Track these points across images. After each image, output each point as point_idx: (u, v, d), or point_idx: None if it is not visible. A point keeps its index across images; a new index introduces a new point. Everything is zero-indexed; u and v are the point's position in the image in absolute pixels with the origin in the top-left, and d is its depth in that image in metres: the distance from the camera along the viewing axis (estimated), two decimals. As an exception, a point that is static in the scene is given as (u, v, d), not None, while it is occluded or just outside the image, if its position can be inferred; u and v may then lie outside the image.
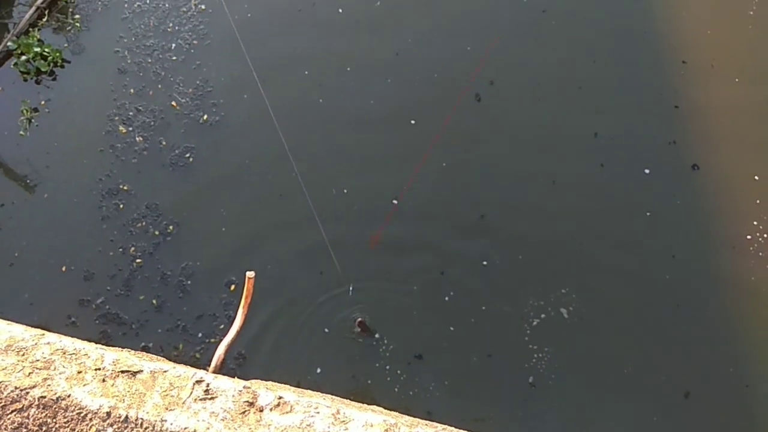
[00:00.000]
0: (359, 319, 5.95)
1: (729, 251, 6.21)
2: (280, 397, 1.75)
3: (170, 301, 6.13)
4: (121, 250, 6.34)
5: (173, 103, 7.07)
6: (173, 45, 7.37)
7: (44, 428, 1.71)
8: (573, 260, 6.27)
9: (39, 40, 7.35)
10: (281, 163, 6.51)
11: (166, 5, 7.46)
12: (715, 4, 7.57)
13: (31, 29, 7.47)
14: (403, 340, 5.93)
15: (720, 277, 6.11)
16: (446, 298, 6.13)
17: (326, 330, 5.97)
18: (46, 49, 7.25)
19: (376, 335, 5.98)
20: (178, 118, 7.03)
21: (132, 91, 7.16)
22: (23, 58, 7.22)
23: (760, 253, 6.16)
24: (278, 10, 7.67)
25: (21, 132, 7.02)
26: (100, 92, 7.20)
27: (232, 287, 6.19)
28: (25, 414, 1.71)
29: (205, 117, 7.00)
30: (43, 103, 7.20)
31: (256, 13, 7.58)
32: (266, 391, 1.77)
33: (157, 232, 6.42)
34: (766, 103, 6.95)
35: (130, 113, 7.06)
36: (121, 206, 6.61)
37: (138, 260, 6.29)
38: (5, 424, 1.72)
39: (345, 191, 6.62)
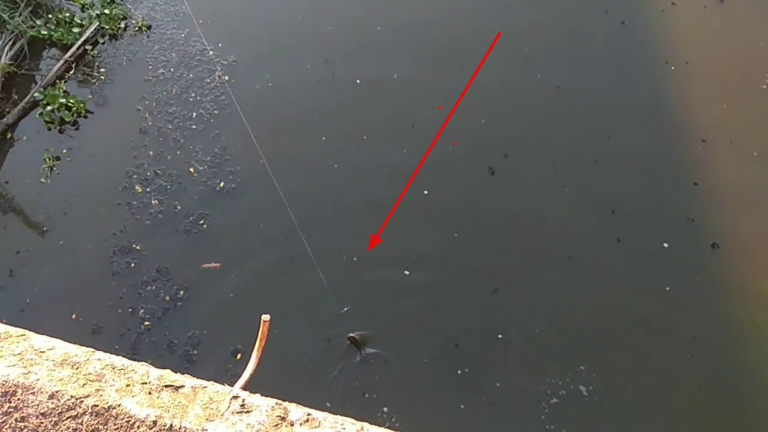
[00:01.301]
0: (350, 335, 6.26)
1: (752, 330, 6.39)
2: (309, 414, 2.01)
3: (176, 371, 6.33)
4: (130, 310, 6.63)
5: (191, 169, 7.57)
6: (194, 114, 7.97)
7: None
8: (591, 337, 6.42)
9: (65, 92, 8.02)
10: (295, 233, 6.87)
11: (191, 75, 8.12)
12: (726, 79, 7.97)
13: (58, 81, 8.17)
14: (410, 418, 6.04)
15: (742, 358, 6.26)
16: (459, 372, 6.30)
17: (328, 405, 6.11)
18: (71, 100, 7.90)
19: (365, 352, 6.32)
20: (195, 185, 7.49)
21: (151, 153, 7.66)
22: (48, 108, 7.86)
23: (783, 333, 6.34)
24: (298, 80, 8.32)
25: (42, 179, 7.53)
26: (121, 148, 7.73)
27: (238, 356, 6.40)
28: (80, 420, 1.97)
29: (222, 184, 7.45)
30: (65, 151, 7.75)
31: (277, 83, 8.22)
32: (296, 407, 2.05)
33: (167, 298, 6.72)
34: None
35: (148, 174, 7.52)
36: (133, 265, 6.93)
37: (146, 323, 6.55)
38: (61, 429, 2.00)
39: (354, 259, 6.97)
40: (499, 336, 6.49)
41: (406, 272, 6.88)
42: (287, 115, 7.92)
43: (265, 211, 7.23)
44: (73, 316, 6.53)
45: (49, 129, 7.94)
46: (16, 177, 7.70)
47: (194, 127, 7.90)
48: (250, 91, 8.03)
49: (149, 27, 8.71)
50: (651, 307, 6.58)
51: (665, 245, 6.89)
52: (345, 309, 6.50)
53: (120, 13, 8.72)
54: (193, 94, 8.07)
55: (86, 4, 8.84)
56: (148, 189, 7.44)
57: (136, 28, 8.66)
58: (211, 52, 8.22)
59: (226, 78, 8.08)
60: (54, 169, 7.67)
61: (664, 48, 8.12)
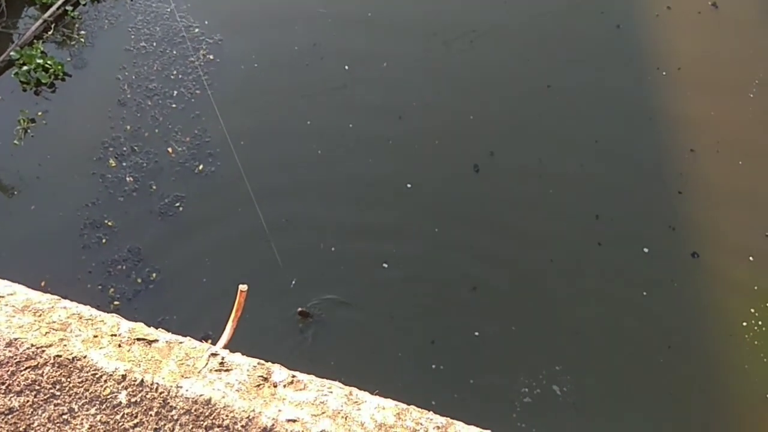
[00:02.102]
0: (300, 309, 6.30)
1: (726, 339, 6.41)
2: (294, 376, 1.86)
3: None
4: (100, 287, 6.35)
5: (169, 149, 7.32)
6: (175, 92, 7.74)
7: (58, 386, 1.79)
8: (568, 338, 6.38)
9: (42, 52, 7.74)
10: (274, 224, 6.75)
11: (174, 52, 7.89)
12: (716, 86, 8.00)
13: (35, 41, 7.89)
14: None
15: (715, 365, 6.27)
16: (433, 366, 6.19)
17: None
18: (49, 62, 7.64)
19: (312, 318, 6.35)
20: (172, 165, 7.25)
21: (128, 128, 7.41)
22: (25, 68, 7.59)
23: (756, 342, 6.36)
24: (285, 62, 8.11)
25: (15, 141, 7.29)
26: (98, 117, 7.47)
27: (208, 341, 6.20)
28: (40, 371, 1.79)
29: (201, 167, 7.24)
30: (40, 114, 7.50)
31: (263, 64, 8.02)
32: (280, 368, 1.90)
33: (139, 279, 6.47)
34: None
35: (125, 149, 7.27)
36: (104, 241, 6.68)
37: (116, 302, 6.29)
38: (18, 380, 1.81)
39: (333, 249, 6.82)
40: (476, 333, 6.40)
41: (385, 265, 6.76)
42: (272, 97, 7.74)
43: (243, 198, 7.03)
44: (42, 283, 6.25)
45: (25, 90, 7.67)
46: None
47: (174, 105, 7.67)
48: (234, 72, 7.82)
49: None
50: (627, 311, 6.55)
51: (645, 250, 6.88)
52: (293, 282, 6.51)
53: None
54: (175, 72, 7.85)
55: None
56: (123, 164, 7.17)
57: None
58: (196, 30, 8.00)
59: (211, 57, 7.87)
60: (28, 131, 7.41)
61: (656, 53, 8.14)
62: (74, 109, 7.59)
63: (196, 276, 6.63)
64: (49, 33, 8.04)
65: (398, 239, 6.88)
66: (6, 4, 8.09)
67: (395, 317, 6.46)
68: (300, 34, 8.10)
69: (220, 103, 7.64)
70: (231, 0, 8.35)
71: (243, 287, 3.00)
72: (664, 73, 7.98)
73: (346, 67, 7.88)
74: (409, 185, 7.22)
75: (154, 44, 7.88)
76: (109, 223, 6.82)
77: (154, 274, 6.55)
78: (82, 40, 8.06)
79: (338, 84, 7.82)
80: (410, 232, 6.96)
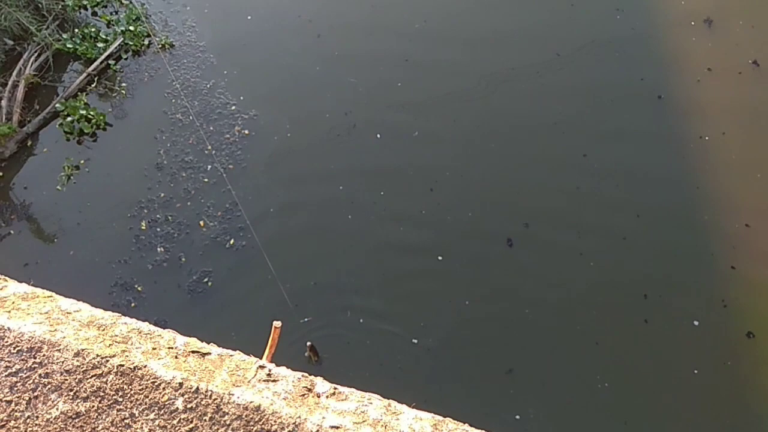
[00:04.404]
0: (310, 343, 6.56)
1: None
2: (335, 387, 2.10)
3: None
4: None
5: (201, 222, 7.82)
6: (209, 167, 8.32)
7: (120, 393, 2.06)
8: (619, 420, 6.41)
9: (85, 104, 8.63)
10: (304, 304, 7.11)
11: (210, 128, 8.56)
12: (764, 150, 8.04)
13: (79, 93, 8.79)
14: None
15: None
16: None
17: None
18: (91, 112, 8.51)
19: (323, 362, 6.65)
20: (202, 238, 7.72)
21: (162, 195, 8.03)
22: (69, 119, 8.47)
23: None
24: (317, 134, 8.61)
25: (58, 187, 8.06)
26: (136, 175, 8.17)
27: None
28: (104, 379, 2.07)
29: (232, 241, 7.69)
30: (82, 162, 8.29)
31: (296, 135, 8.54)
32: (322, 381, 2.15)
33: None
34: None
35: (158, 216, 7.86)
36: (133, 305, 7.15)
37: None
38: (85, 386, 2.10)
39: (361, 320, 7.08)
40: (516, 417, 6.45)
41: (414, 341, 6.96)
42: (304, 167, 8.25)
43: (272, 276, 7.28)
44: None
45: (68, 140, 8.50)
46: (33, 184, 8.19)
47: (206, 180, 8.21)
48: (268, 144, 8.40)
49: (172, 45, 9.31)
50: (680, 392, 6.55)
51: (695, 323, 6.92)
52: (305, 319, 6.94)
53: (144, 30, 9.35)
54: (210, 147, 8.46)
55: (112, 20, 9.52)
56: (157, 230, 7.75)
57: (159, 46, 9.25)
58: (233, 107, 8.69)
59: (246, 132, 8.48)
60: (71, 178, 8.17)
61: (699, 120, 8.29)
62: (114, 161, 8.34)
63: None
64: (92, 86, 8.94)
65: (428, 314, 7.10)
66: (52, 60, 9.03)
67: (425, 396, 6.55)
68: (331, 104, 8.72)
69: (252, 176, 8.21)
70: (265, 75, 9.06)
71: (277, 323, 3.28)
72: (707, 138, 8.13)
73: (378, 136, 8.40)
74: (440, 257, 7.50)
75: (191, 118, 8.56)
76: (139, 288, 7.31)
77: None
78: (123, 92, 8.92)
79: (370, 152, 8.33)
80: (441, 307, 7.17)
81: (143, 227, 7.75)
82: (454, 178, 8.06)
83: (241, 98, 8.77)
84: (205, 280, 7.45)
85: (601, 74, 8.81)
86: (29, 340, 2.18)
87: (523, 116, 8.52)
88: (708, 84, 8.55)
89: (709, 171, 7.93)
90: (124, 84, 9.01)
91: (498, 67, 8.86)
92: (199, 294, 7.35)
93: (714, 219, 7.60)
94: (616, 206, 7.80)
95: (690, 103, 8.39)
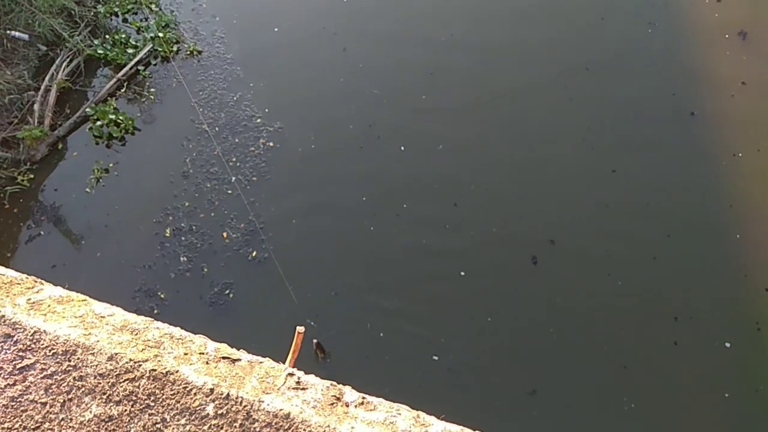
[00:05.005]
0: (316, 341, 6.69)
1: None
2: (364, 397, 2.14)
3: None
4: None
5: (224, 234, 7.95)
6: (233, 179, 8.47)
7: (152, 398, 2.12)
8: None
9: (115, 109, 8.92)
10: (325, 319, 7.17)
11: (236, 140, 8.71)
12: None
13: (109, 98, 9.10)
14: None
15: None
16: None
17: None
18: (120, 117, 8.81)
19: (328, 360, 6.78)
20: (224, 250, 7.85)
21: (186, 204, 8.21)
22: (98, 123, 8.77)
23: None
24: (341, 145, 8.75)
25: (87, 189, 8.34)
26: (162, 180, 8.39)
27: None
28: (137, 383, 2.14)
29: (254, 253, 7.80)
30: (111, 165, 8.57)
31: (320, 146, 8.67)
32: (351, 390, 2.20)
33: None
34: None
35: (182, 225, 8.03)
36: (156, 311, 7.32)
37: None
38: (118, 390, 2.18)
39: (381, 335, 7.12)
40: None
41: (435, 357, 6.97)
42: (328, 178, 8.35)
43: (293, 286, 7.38)
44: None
45: (97, 143, 8.79)
46: (63, 186, 8.47)
47: (230, 192, 8.35)
48: (292, 156, 8.53)
49: (200, 52, 9.58)
50: (709, 417, 6.48)
51: (727, 345, 6.85)
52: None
53: (173, 37, 9.67)
54: (234, 159, 8.60)
55: (142, 27, 9.83)
56: (181, 239, 7.92)
57: (188, 52, 9.55)
58: (258, 120, 8.84)
59: (270, 144, 8.62)
60: (100, 180, 8.46)
61: (733, 135, 8.21)
62: (142, 166, 8.59)
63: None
64: (122, 90, 9.24)
65: (449, 330, 7.13)
66: (84, 65, 9.36)
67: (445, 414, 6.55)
68: (356, 116, 8.84)
69: (275, 187, 8.33)
70: (291, 87, 9.21)
71: (300, 329, 3.33)
72: (740, 155, 8.06)
73: (402, 148, 8.49)
74: (462, 273, 7.52)
75: (217, 129, 8.74)
76: (162, 296, 7.50)
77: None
78: (152, 97, 9.22)
79: (393, 164, 8.41)
80: (463, 324, 7.19)
81: (168, 234, 7.94)
82: (478, 192, 8.09)
83: (267, 110, 8.92)
84: (227, 292, 7.57)
85: (632, 88, 8.79)
86: (64, 343, 2.27)
87: (550, 130, 8.53)
88: (742, 98, 8.48)
89: (743, 189, 7.84)
90: (152, 89, 9.29)
91: (525, 80, 8.91)
92: (220, 306, 7.48)
93: (748, 238, 7.51)
94: (646, 224, 7.75)
95: (723, 119, 8.33)
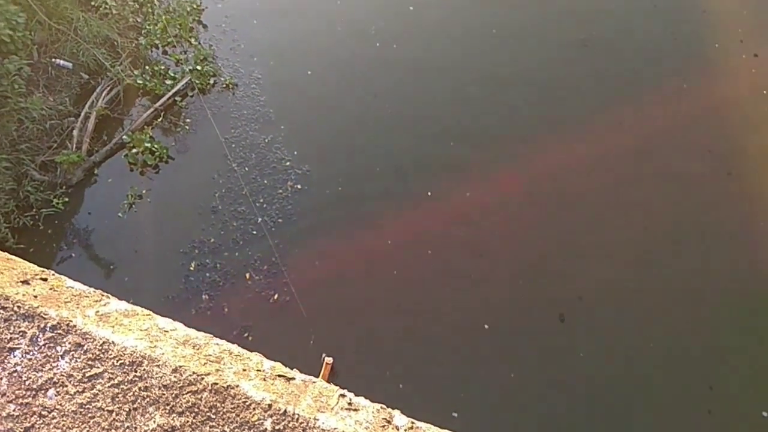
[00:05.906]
0: (330, 360, 6.86)
1: None
2: (413, 422, 2.33)
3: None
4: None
5: (247, 275, 8.18)
6: (259, 219, 8.74)
7: (213, 410, 2.29)
8: None
9: (150, 137, 9.34)
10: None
11: (264, 182, 9.04)
12: None
13: (145, 127, 9.55)
14: None
15: None
16: None
17: None
18: (156, 145, 9.23)
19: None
20: (247, 291, 8.06)
21: (212, 240, 8.48)
22: (134, 150, 9.20)
23: None
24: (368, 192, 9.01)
25: (120, 214, 8.70)
26: (192, 212, 8.71)
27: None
28: (199, 396, 2.32)
29: (276, 296, 8.01)
30: (144, 192, 8.94)
31: (347, 188, 9.00)
32: (400, 414, 2.37)
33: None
34: None
35: (207, 261, 8.28)
36: None
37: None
38: (181, 402, 2.37)
39: (400, 386, 7.22)
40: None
41: (455, 414, 7.04)
42: (354, 222, 8.61)
43: (313, 337, 7.57)
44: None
45: (131, 170, 9.20)
46: (97, 210, 8.81)
47: (255, 232, 8.61)
48: (320, 198, 8.83)
49: (236, 85, 10.10)
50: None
51: (764, 414, 6.86)
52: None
53: (211, 70, 10.18)
54: (261, 200, 8.90)
55: (181, 59, 10.36)
56: (206, 275, 8.15)
57: (224, 85, 10.07)
58: (287, 163, 9.18)
59: (298, 187, 8.92)
60: (133, 206, 8.81)
61: None
62: (174, 195, 8.95)
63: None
64: (159, 120, 9.70)
65: (470, 386, 7.22)
66: (123, 94, 9.86)
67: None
68: (383, 162, 9.17)
69: (300, 231, 8.58)
70: (320, 132, 9.59)
71: (329, 359, 3.48)
72: None
73: (429, 194, 8.78)
74: (486, 326, 7.65)
75: (246, 169, 9.07)
76: None
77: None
78: (187, 127, 9.66)
79: (419, 212, 8.67)
80: (485, 381, 7.28)
81: (192, 268, 8.18)
82: (504, 245, 8.29)
83: (295, 153, 9.27)
84: (246, 335, 7.72)
85: (667, 156, 9.06)
86: (131, 355, 2.47)
87: (579, 185, 8.80)
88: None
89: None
90: (188, 119, 9.75)
91: (557, 130, 9.23)
92: (239, 350, 7.59)
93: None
94: (683, 288, 7.85)
95: (762, 179, 8.52)
